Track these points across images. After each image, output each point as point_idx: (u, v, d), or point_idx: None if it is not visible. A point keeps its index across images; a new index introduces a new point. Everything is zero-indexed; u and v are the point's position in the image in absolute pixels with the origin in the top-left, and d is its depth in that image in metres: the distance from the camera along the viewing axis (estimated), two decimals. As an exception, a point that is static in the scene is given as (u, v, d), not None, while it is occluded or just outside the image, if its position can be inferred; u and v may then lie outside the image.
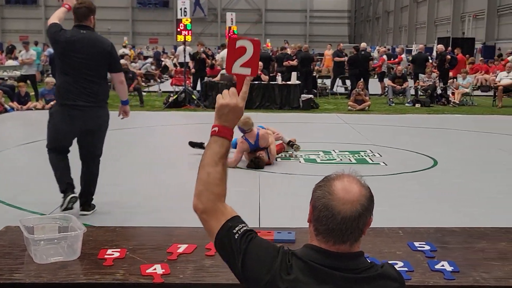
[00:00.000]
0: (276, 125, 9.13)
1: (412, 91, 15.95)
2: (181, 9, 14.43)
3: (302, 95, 14.30)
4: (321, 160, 7.79)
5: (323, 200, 1.48)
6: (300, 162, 7.67)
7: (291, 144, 8.21)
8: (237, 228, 1.55)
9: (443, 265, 2.25)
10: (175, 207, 5.09)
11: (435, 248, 2.45)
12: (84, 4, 4.78)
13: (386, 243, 2.52)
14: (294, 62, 16.58)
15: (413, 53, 23.30)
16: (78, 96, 4.70)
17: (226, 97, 1.67)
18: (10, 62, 20.33)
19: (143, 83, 18.70)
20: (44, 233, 2.44)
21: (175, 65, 22.12)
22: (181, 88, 14.70)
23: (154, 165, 7.33)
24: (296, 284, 1.44)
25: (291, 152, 8.12)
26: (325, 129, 11.17)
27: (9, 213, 5.02)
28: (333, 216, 1.46)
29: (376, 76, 19.45)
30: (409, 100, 15.43)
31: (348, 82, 17.65)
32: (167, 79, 21.23)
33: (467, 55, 22.05)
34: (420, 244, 2.49)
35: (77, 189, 5.02)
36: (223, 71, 14.77)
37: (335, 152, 8.30)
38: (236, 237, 1.53)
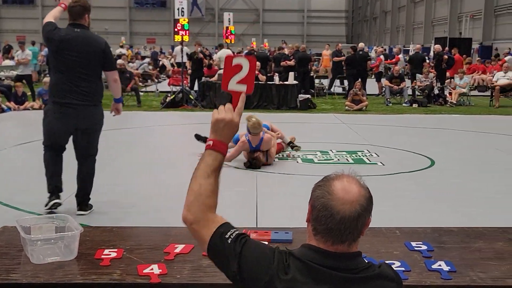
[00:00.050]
0: (274, 125, 9.11)
1: (409, 91, 15.97)
2: (178, 9, 14.41)
3: (299, 95, 14.32)
4: (318, 160, 7.79)
5: (322, 200, 1.48)
6: (297, 162, 7.67)
7: (291, 145, 8.20)
8: (229, 233, 1.55)
9: (440, 265, 2.25)
10: (174, 207, 5.06)
11: (432, 248, 2.45)
12: (79, 3, 4.78)
13: (383, 243, 2.52)
14: (292, 62, 16.59)
15: (410, 53, 23.33)
16: (71, 94, 4.71)
17: (222, 112, 1.69)
18: (7, 62, 20.29)
19: (140, 83, 18.69)
20: (41, 233, 2.43)
21: (172, 65, 22.12)
22: (178, 88, 14.70)
23: (152, 165, 7.32)
24: (294, 284, 1.44)
25: (288, 152, 8.13)
26: (322, 129, 11.18)
27: (6, 213, 5.02)
28: (332, 216, 1.46)
29: (373, 76, 19.46)
30: (406, 100, 15.45)
31: (346, 82, 17.66)
32: (165, 79, 21.22)
33: (464, 55, 22.10)
34: (417, 244, 2.49)
35: (74, 188, 5.03)
36: (221, 71, 14.76)
37: (333, 152, 8.30)
38: (229, 241, 1.53)
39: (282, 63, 16.83)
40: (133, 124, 11.17)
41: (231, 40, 22.03)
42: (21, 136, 9.80)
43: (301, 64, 16.52)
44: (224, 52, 17.96)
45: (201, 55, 16.09)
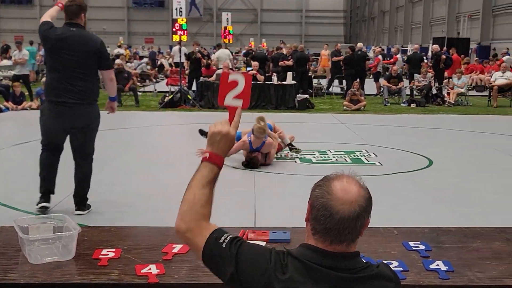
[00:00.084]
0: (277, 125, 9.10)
1: (408, 91, 15.99)
2: (176, 9, 14.40)
3: (297, 95, 14.31)
4: (316, 160, 7.79)
5: (321, 200, 1.49)
6: (295, 162, 7.67)
7: (290, 147, 8.16)
8: (223, 238, 1.56)
9: (438, 265, 2.25)
10: (172, 207, 5.05)
11: (430, 248, 2.45)
12: (75, 2, 4.79)
13: (381, 243, 2.52)
14: (290, 62, 16.58)
15: (409, 53, 23.35)
16: (67, 93, 4.70)
17: (218, 126, 1.70)
18: (5, 62, 20.23)
19: (138, 83, 18.67)
20: (38, 233, 2.43)
21: (170, 65, 22.10)
22: (176, 88, 14.69)
23: (150, 165, 7.32)
24: (292, 284, 1.45)
25: (286, 152, 8.12)
26: (320, 129, 11.18)
27: (3, 213, 5.01)
28: (331, 216, 1.46)
29: (371, 76, 19.48)
30: (404, 100, 15.46)
31: (344, 82, 17.66)
32: (163, 79, 21.20)
33: (462, 55, 22.10)
34: (415, 243, 2.49)
35: (72, 188, 5.02)
36: (219, 71, 14.77)
37: (331, 152, 8.31)
38: (224, 245, 1.54)
39: (280, 63, 16.82)
40: (131, 124, 11.17)
41: (229, 40, 22.06)
42: (19, 136, 9.79)
43: (299, 64, 16.51)
44: (222, 52, 17.97)
45: (199, 55, 16.08)
